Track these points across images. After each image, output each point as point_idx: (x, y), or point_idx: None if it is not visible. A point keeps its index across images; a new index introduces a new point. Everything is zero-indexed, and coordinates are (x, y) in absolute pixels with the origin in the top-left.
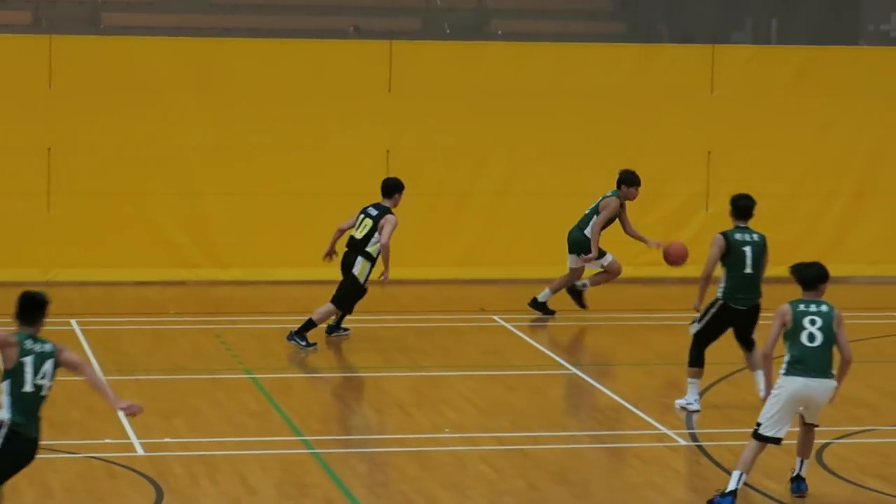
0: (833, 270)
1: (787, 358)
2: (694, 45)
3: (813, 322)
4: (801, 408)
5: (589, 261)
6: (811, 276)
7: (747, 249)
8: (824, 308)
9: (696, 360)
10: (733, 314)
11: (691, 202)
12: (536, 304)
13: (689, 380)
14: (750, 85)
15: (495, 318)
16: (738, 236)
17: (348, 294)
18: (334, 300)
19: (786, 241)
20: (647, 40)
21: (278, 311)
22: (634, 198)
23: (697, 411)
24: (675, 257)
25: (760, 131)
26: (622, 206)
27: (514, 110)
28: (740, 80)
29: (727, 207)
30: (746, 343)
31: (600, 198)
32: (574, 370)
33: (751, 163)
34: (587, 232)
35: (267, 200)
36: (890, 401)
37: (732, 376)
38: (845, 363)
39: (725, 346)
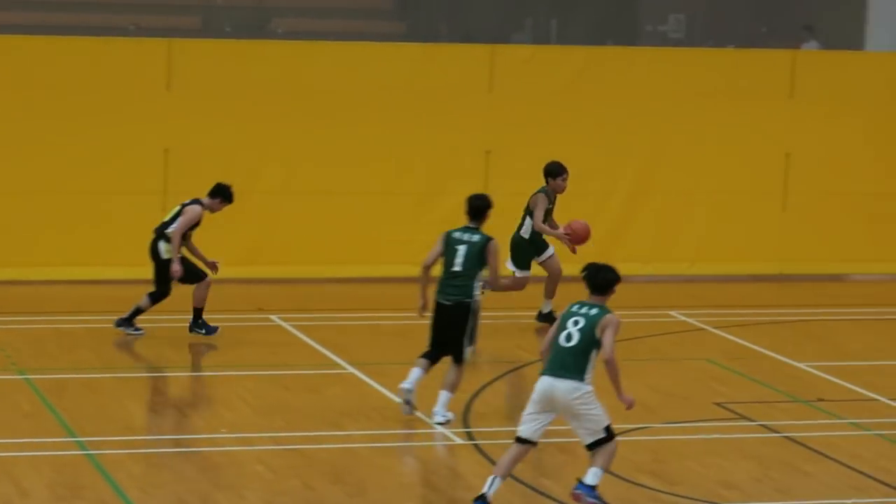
0: None
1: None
2: (473, 45)
3: (576, 323)
4: (550, 409)
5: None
6: (597, 281)
7: (460, 248)
8: (594, 311)
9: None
10: (439, 309)
11: None
12: (544, 317)
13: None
14: (529, 85)
15: (273, 317)
16: (456, 234)
17: (164, 278)
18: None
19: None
20: (427, 39)
21: (52, 311)
22: (563, 189)
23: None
24: (578, 236)
25: (539, 131)
26: (552, 200)
27: (295, 109)
28: (519, 79)
29: (510, 205)
30: (452, 347)
31: (530, 196)
32: (351, 369)
33: (529, 162)
34: (523, 233)
35: (39, 199)
36: (664, 399)
37: (509, 374)
38: (605, 364)
39: (504, 344)
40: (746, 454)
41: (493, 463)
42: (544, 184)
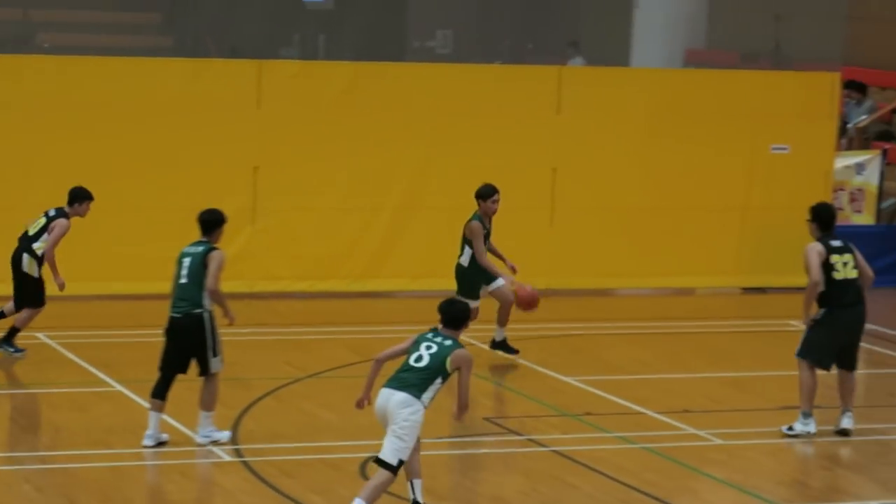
0: (378, 285)
1: None
2: (241, 60)
3: (429, 348)
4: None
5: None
6: (451, 315)
7: (186, 261)
8: (448, 342)
9: None
10: (171, 323)
11: (238, 217)
12: (497, 345)
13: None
14: (297, 100)
15: (38, 335)
16: (186, 249)
17: (27, 290)
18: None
19: (331, 255)
20: (194, 55)
21: None
22: (494, 211)
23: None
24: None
25: (307, 146)
26: (486, 224)
27: (62, 124)
28: (287, 94)
29: (274, 222)
30: (198, 361)
31: (465, 225)
32: (119, 387)
33: (298, 177)
34: (463, 262)
35: None
36: (433, 414)
37: (277, 391)
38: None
39: (273, 360)
40: (515, 468)
41: (263, 480)
42: (476, 208)
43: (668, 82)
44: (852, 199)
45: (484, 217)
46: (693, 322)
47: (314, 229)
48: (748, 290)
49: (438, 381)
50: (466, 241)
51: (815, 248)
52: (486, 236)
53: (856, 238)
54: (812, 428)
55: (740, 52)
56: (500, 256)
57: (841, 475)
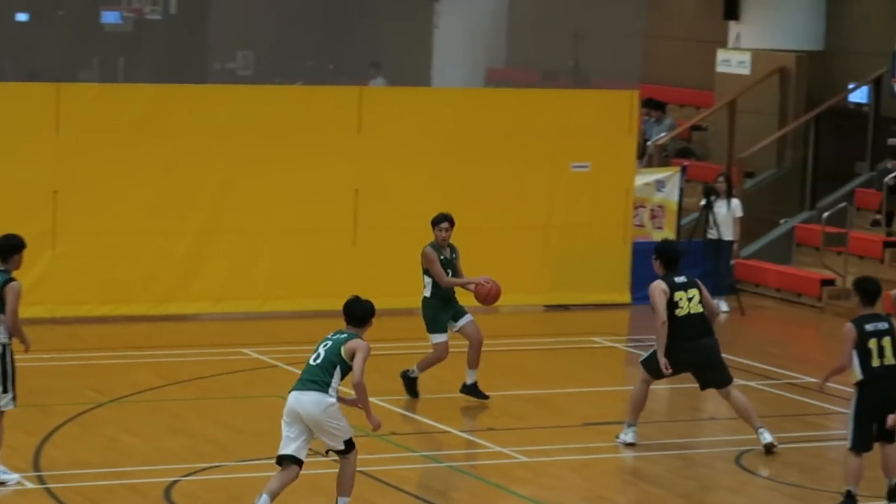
0: (182, 308)
1: None
2: (38, 84)
3: (325, 345)
4: (299, 422)
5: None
6: (354, 314)
7: None
8: (343, 336)
9: None
10: None
11: (38, 242)
12: (467, 389)
13: None
14: (96, 123)
15: None
16: None
17: None
18: None
19: (134, 278)
20: None
21: None
22: (443, 238)
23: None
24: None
25: (108, 169)
26: (441, 252)
27: None
28: (86, 117)
29: (75, 246)
30: None
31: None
32: None
33: (98, 201)
34: (425, 292)
35: None
36: (237, 436)
37: (80, 417)
38: (354, 387)
39: (76, 385)
40: (321, 490)
41: None
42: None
43: (469, 101)
44: (653, 216)
45: (440, 244)
46: (497, 340)
47: (116, 253)
48: (551, 308)
49: (338, 370)
50: (424, 270)
51: (660, 287)
52: (447, 264)
53: None
54: (629, 438)
55: (540, 71)
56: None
57: (645, 490)
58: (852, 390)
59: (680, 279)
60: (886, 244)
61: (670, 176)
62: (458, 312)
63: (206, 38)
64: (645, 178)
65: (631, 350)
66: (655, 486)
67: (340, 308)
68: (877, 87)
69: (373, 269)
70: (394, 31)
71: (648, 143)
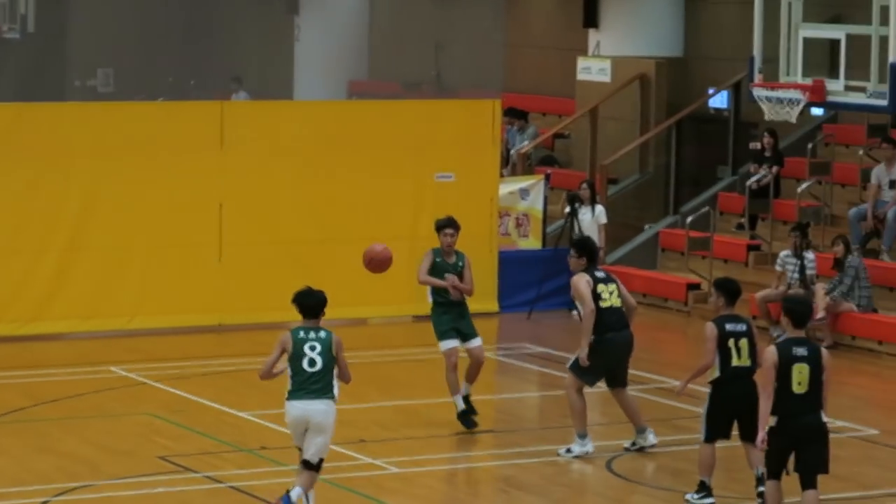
0: (47, 327)
1: (290, 385)
2: None
3: (313, 348)
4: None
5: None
6: (309, 305)
7: None
8: (322, 334)
9: None
10: None
11: None
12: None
13: None
14: None
15: None
16: None
17: None
18: None
19: None
20: None
21: None
22: (448, 244)
23: None
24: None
25: None
26: (440, 255)
27: None
28: None
29: None
30: None
31: None
32: None
33: None
34: (429, 299)
35: None
36: (107, 455)
37: None
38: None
39: None
40: None
41: None
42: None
43: (331, 114)
44: (518, 224)
45: (445, 250)
46: (366, 352)
47: None
48: (419, 318)
49: (335, 370)
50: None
51: (584, 279)
52: (444, 268)
53: (524, 262)
54: (590, 448)
55: (402, 82)
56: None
57: (517, 497)
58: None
59: (600, 274)
60: (750, 247)
61: (534, 184)
62: (468, 335)
63: (65, 56)
64: (509, 186)
65: (500, 359)
66: (526, 492)
67: (207, 324)
68: (736, 91)
69: (239, 284)
70: (255, 45)
71: (511, 151)
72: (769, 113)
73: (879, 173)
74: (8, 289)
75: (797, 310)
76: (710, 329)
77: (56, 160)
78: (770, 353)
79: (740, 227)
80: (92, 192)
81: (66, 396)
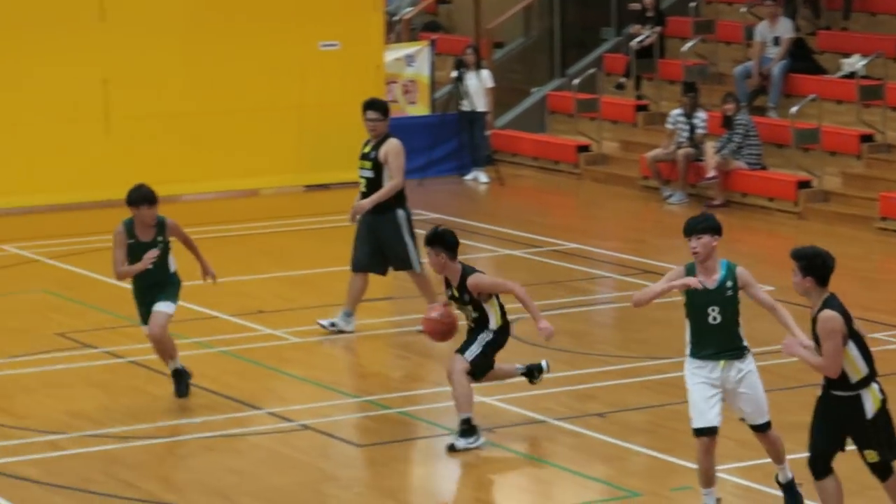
0: None
1: None
2: None
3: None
4: None
5: None
6: None
7: None
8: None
9: None
10: None
11: None
12: None
13: None
14: None
15: None
16: None
17: None
18: None
19: None
20: None
21: None
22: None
23: None
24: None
25: None
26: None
27: None
28: None
29: None
30: None
31: None
32: None
33: None
34: None
35: None
36: (2, 333)
37: None
38: None
39: None
40: (93, 382)
41: None
42: None
43: None
44: (406, 91)
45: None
46: (258, 223)
47: None
48: (310, 188)
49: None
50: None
51: (402, 148)
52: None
53: (413, 129)
54: (352, 327)
55: None
56: None
57: (418, 363)
58: None
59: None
60: (638, 108)
61: (420, 50)
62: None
63: None
64: (395, 53)
65: None
66: (427, 357)
67: (97, 199)
68: None
69: (127, 159)
70: None
71: (395, 17)
72: None
73: (763, 30)
74: None
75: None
76: (835, 322)
77: None
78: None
79: (619, 86)
80: None
81: None
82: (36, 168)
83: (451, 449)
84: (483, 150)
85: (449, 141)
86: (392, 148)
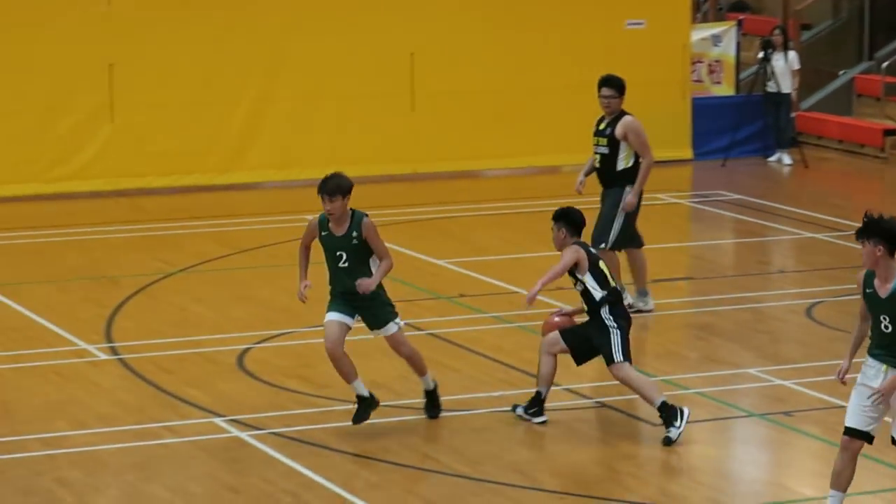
0: (241, 177)
1: None
2: None
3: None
4: None
5: None
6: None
7: None
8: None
9: None
10: None
11: (97, 115)
12: None
13: None
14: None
15: None
16: None
17: None
18: None
19: (192, 149)
20: None
21: None
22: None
23: None
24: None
25: (160, 42)
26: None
27: None
28: None
29: (132, 119)
30: None
31: None
32: None
33: (153, 74)
34: None
35: None
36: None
37: (149, 287)
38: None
39: (140, 258)
40: (391, 353)
41: (141, 377)
42: None
43: None
44: (711, 71)
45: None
46: (558, 200)
47: (173, 124)
48: None
49: None
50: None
51: (641, 125)
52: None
53: (717, 109)
54: (651, 305)
55: None
56: None
57: (716, 344)
58: None
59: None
60: None
61: (726, 30)
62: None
63: None
64: (701, 33)
65: (694, 206)
66: (726, 339)
67: (401, 172)
68: None
69: (432, 133)
70: None
71: None
72: None
73: None
74: (202, 140)
75: None
76: None
77: (243, 13)
78: None
79: None
80: (281, 42)
81: (262, 245)
82: (340, 140)
83: (667, 442)
84: (788, 132)
85: (754, 122)
86: (631, 126)
